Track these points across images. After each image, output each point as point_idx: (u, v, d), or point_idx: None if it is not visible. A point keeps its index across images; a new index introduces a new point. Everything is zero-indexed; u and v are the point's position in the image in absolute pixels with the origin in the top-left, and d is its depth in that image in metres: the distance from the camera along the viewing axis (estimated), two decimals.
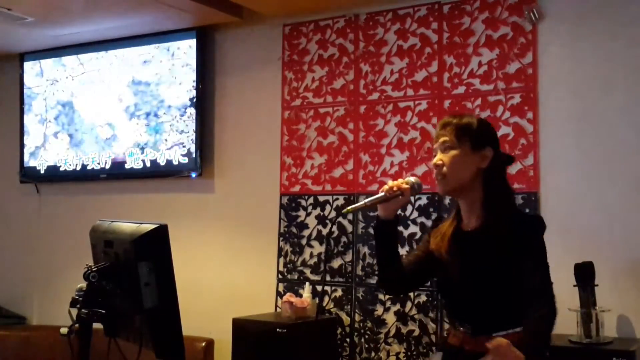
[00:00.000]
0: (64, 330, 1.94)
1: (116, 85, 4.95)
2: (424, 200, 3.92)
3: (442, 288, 2.30)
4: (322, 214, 4.23)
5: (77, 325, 1.91)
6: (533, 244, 2.07)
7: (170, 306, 1.82)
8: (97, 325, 1.91)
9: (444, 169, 2.14)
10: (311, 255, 4.24)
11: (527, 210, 3.59)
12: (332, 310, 4.13)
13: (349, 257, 4.11)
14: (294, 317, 3.84)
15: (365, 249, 4.06)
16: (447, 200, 3.86)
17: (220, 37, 4.69)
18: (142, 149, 4.80)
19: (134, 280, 1.80)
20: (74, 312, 1.92)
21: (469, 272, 2.11)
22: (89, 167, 5.05)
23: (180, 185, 4.75)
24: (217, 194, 4.65)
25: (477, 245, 2.12)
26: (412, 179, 2.20)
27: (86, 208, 5.05)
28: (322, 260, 4.18)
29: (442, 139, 2.16)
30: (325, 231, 4.20)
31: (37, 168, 5.30)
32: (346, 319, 4.08)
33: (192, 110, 4.60)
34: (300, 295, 4.07)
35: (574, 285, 3.25)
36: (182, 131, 4.63)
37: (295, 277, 4.27)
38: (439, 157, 2.16)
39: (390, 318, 3.96)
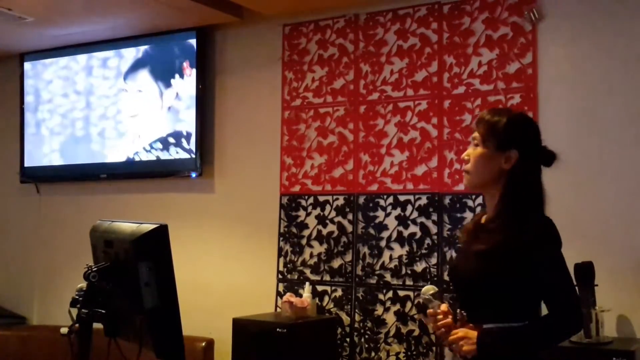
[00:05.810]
0: (64, 330, 1.95)
1: (116, 85, 4.95)
2: (424, 200, 3.92)
3: (450, 274, 2.39)
4: (322, 214, 4.23)
5: (77, 325, 1.92)
6: (551, 259, 2.08)
7: (170, 306, 1.82)
8: (97, 325, 1.91)
9: (468, 165, 2.19)
10: (311, 255, 4.24)
11: None
12: (332, 310, 4.14)
13: (349, 257, 4.11)
14: (294, 317, 3.85)
15: (365, 249, 4.06)
16: (447, 201, 3.86)
17: (220, 37, 4.69)
18: (142, 148, 4.80)
19: (134, 280, 1.80)
20: (74, 312, 1.93)
21: (471, 260, 2.16)
22: (89, 167, 5.05)
23: (180, 185, 4.75)
24: (217, 194, 4.65)
25: (485, 236, 2.16)
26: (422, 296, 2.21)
27: (86, 208, 5.05)
28: (323, 260, 4.18)
29: (473, 134, 2.22)
30: (325, 231, 4.20)
31: (37, 168, 5.31)
32: (346, 319, 4.08)
33: (192, 110, 4.60)
34: (300, 295, 4.07)
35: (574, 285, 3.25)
36: (182, 131, 4.63)
37: (295, 277, 4.27)
38: (467, 152, 2.22)
39: (390, 318, 3.96)
